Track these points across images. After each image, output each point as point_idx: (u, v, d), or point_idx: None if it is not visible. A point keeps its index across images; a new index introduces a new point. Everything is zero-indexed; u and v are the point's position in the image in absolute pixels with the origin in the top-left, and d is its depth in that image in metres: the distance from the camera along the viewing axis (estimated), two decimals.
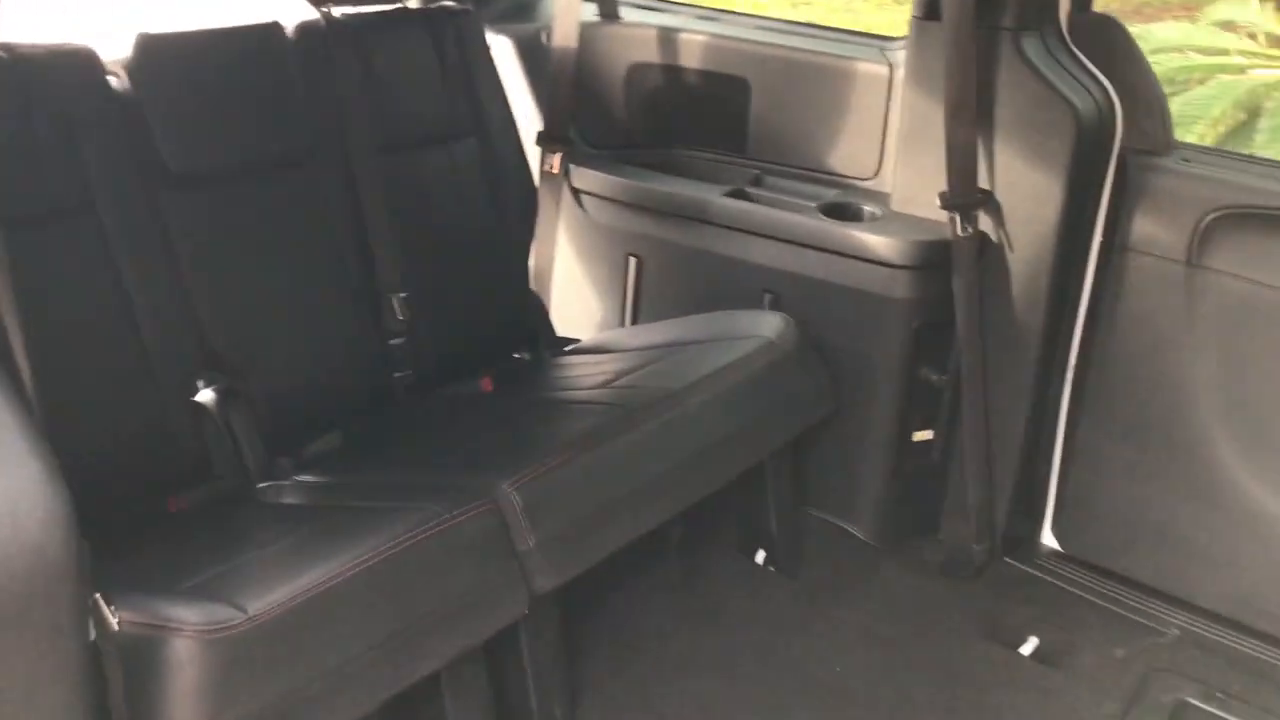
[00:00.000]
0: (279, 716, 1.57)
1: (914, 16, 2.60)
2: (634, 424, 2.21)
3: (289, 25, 2.46)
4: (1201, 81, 6.65)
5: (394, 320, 2.52)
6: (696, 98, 3.10)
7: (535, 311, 2.93)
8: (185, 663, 1.48)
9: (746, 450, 2.45)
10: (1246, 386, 2.47)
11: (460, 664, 1.90)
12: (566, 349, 2.87)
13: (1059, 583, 2.73)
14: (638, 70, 3.13)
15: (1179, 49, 7.02)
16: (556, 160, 2.97)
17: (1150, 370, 2.57)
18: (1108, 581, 2.70)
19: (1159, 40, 6.92)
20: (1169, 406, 2.56)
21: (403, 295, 2.53)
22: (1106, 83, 2.51)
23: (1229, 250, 2.42)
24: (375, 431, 2.44)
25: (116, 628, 1.36)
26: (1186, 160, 2.52)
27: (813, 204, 2.81)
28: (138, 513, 2.08)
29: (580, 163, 3.04)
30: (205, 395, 2.22)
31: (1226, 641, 2.52)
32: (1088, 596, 2.68)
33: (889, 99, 2.80)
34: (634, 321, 3.04)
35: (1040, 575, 2.75)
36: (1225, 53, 7.05)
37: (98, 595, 1.38)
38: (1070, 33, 2.54)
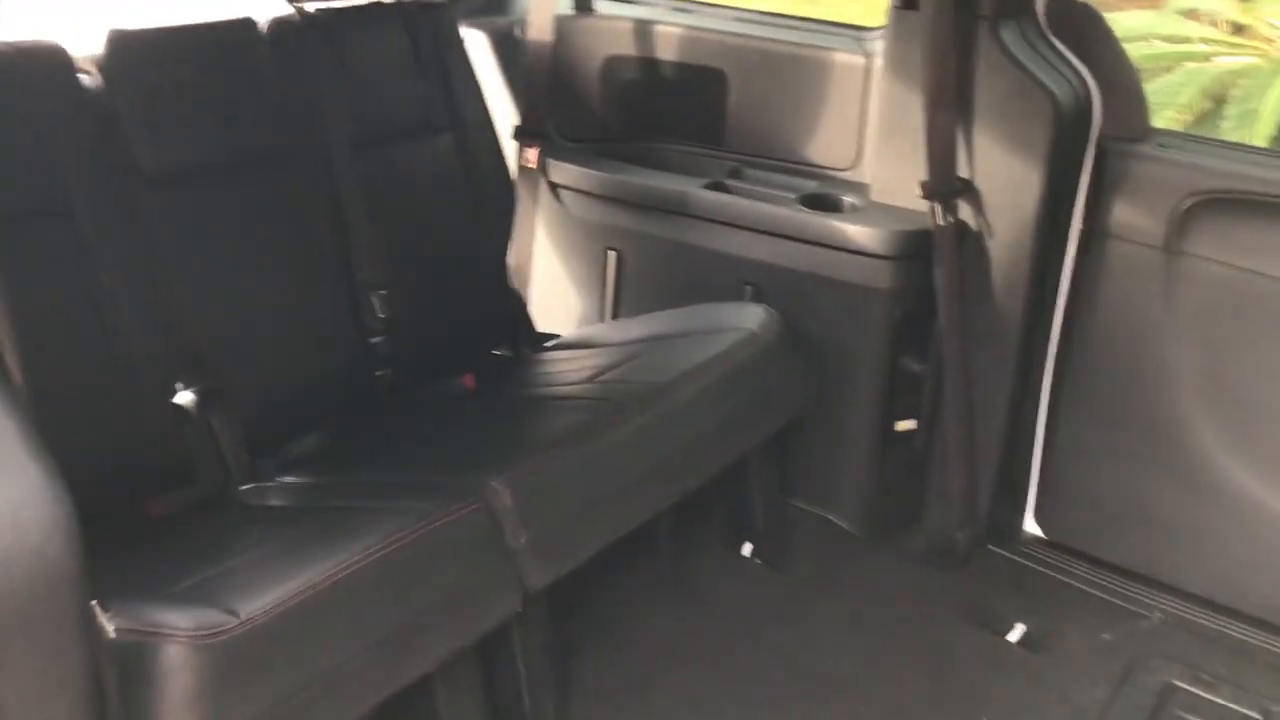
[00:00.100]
0: None
1: (892, 6, 2.60)
2: (622, 419, 2.20)
3: (262, 20, 2.43)
4: (1168, 70, 6.74)
5: (374, 318, 2.50)
6: (673, 90, 3.09)
7: (515, 307, 2.92)
8: (178, 669, 1.46)
9: (733, 443, 2.45)
10: (1226, 370, 2.49)
11: (453, 663, 1.88)
12: (547, 345, 2.86)
13: (1043, 569, 2.74)
14: (613, 63, 3.11)
15: (1144, 37, 7.10)
16: (533, 154, 2.96)
17: (1130, 356, 2.58)
18: (1092, 567, 2.71)
19: (1125, 29, 6.99)
20: (1149, 392, 2.57)
21: (383, 293, 2.51)
22: (1084, 70, 2.53)
23: (1207, 235, 2.44)
24: (358, 431, 2.42)
25: (112, 635, 1.33)
26: (1164, 146, 2.53)
27: (792, 195, 2.81)
28: (118, 517, 2.04)
29: (558, 157, 3.02)
30: (185, 397, 2.18)
31: (1210, 624, 2.54)
32: (1072, 582, 2.70)
33: (866, 89, 2.79)
34: (614, 316, 3.02)
35: (1024, 562, 2.77)
36: (1189, 41, 7.14)
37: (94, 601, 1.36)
38: (1048, 21, 2.55)
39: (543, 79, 2.94)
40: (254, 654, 1.54)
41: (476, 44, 3.00)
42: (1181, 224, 2.45)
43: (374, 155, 2.56)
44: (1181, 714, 2.31)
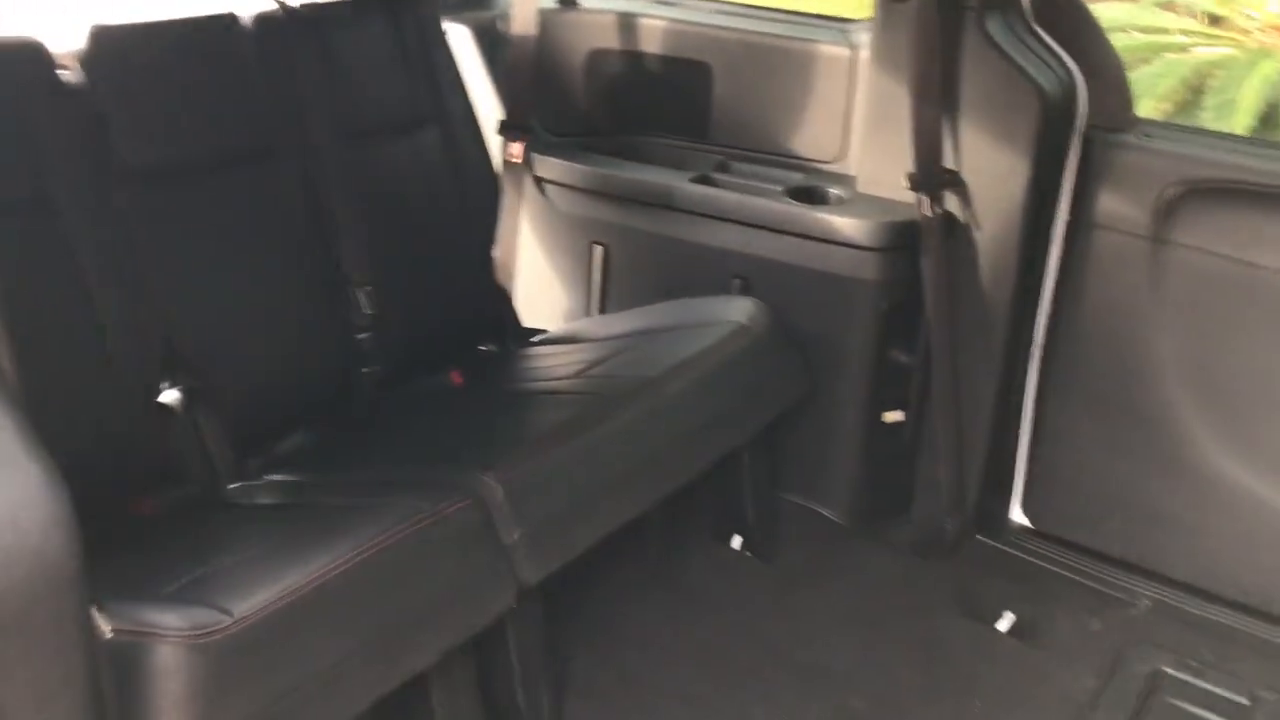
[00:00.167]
0: None
1: None
2: (614, 412, 2.20)
3: (246, 16, 2.41)
4: (1146, 60, 6.77)
5: (360, 314, 2.48)
6: (658, 84, 3.09)
7: (501, 303, 2.90)
8: (172, 670, 1.44)
9: (725, 435, 2.44)
10: (1212, 359, 2.50)
11: (448, 661, 1.87)
12: (534, 340, 2.85)
13: (1032, 558, 2.75)
14: (598, 57, 3.10)
15: (1123, 29, 7.14)
16: (518, 149, 2.94)
17: (1117, 345, 2.59)
18: (1080, 555, 2.72)
19: (1105, 20, 6.99)
20: (1135, 380, 2.58)
21: (368, 288, 2.49)
22: (1069, 60, 2.53)
23: (1192, 224, 2.45)
24: (346, 428, 2.41)
25: (109, 635, 1.32)
26: (1149, 136, 2.54)
27: (778, 188, 2.81)
28: (105, 518, 2.02)
29: (543, 151, 3.01)
30: (170, 395, 2.16)
31: (1197, 610, 2.55)
32: (1060, 571, 2.71)
33: (852, 82, 2.79)
34: (601, 311, 3.01)
35: (1013, 552, 2.78)
36: (1168, 32, 7.18)
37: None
38: (1033, 12, 2.56)
39: (527, 73, 2.92)
40: (249, 653, 1.53)
41: (460, 38, 2.98)
42: (1167, 213, 2.46)
43: (358, 151, 2.54)
44: (1171, 700, 2.32)
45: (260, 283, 2.35)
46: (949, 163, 2.55)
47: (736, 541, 2.73)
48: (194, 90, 2.28)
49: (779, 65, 2.90)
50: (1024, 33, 2.54)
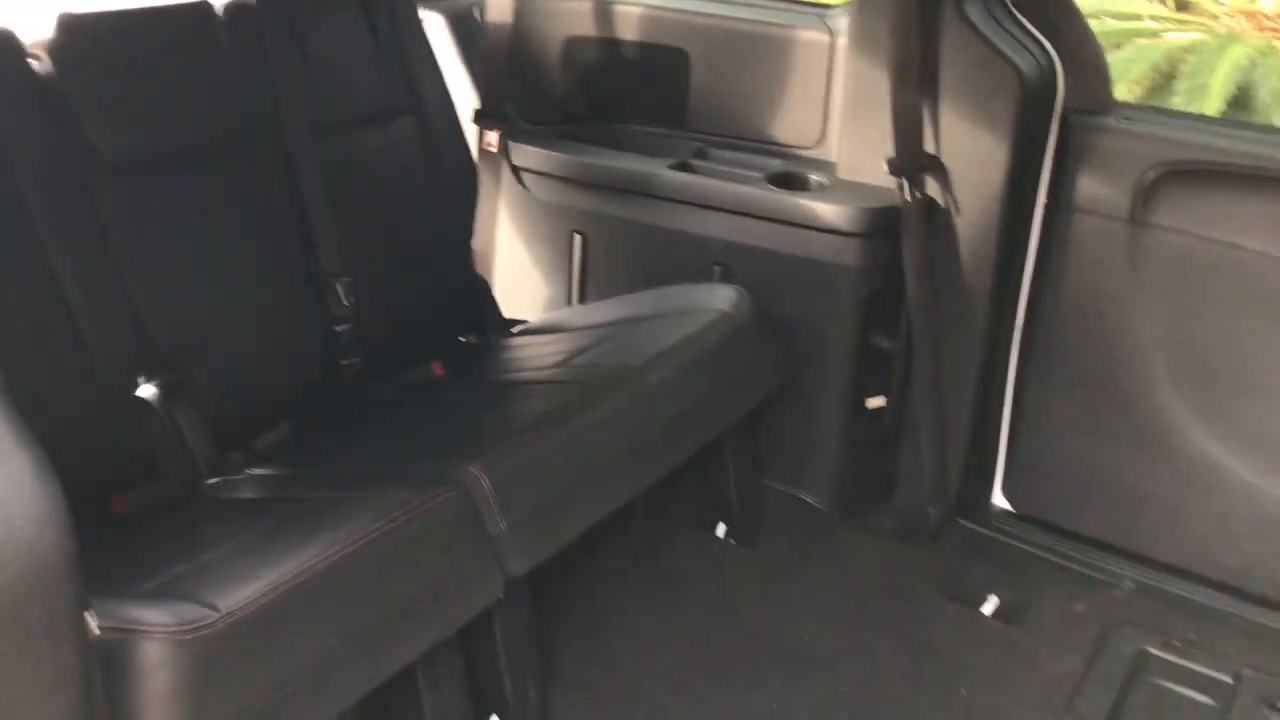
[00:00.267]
0: (258, 717, 1.51)
1: None
2: (598, 401, 2.18)
3: (218, 4, 2.37)
4: (1119, 45, 6.81)
5: (339, 306, 2.45)
6: (635, 71, 3.07)
7: (480, 293, 2.88)
8: (159, 666, 1.42)
9: (709, 423, 2.43)
10: (1191, 340, 2.51)
11: (435, 653, 1.85)
12: (515, 330, 2.83)
13: (1015, 542, 2.76)
14: (574, 44, 3.08)
15: (1096, 15, 7.17)
16: (494, 138, 2.92)
17: (1097, 328, 2.60)
18: (1062, 538, 2.73)
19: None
20: (1116, 363, 2.59)
21: (346, 280, 2.46)
22: (1048, 44, 2.53)
23: (1171, 206, 2.46)
24: (327, 421, 2.38)
25: (97, 633, 1.29)
26: (1128, 119, 2.55)
27: (758, 174, 2.80)
28: (85, 514, 1.98)
29: (519, 140, 2.98)
30: (147, 390, 2.13)
31: (1180, 591, 2.57)
32: (1043, 554, 2.71)
33: (831, 66, 2.79)
34: (581, 300, 3.00)
35: (996, 536, 2.78)
36: (1139, 18, 7.22)
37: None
38: None
39: (503, 61, 2.90)
40: (236, 648, 1.51)
41: (435, 26, 2.95)
42: (1146, 196, 2.46)
43: (334, 141, 2.51)
44: (1155, 680, 2.34)
45: (237, 275, 2.32)
46: (929, 147, 2.55)
47: (720, 529, 2.73)
48: (165, 79, 2.24)
49: (757, 51, 2.89)
50: (1002, 16, 2.54)
